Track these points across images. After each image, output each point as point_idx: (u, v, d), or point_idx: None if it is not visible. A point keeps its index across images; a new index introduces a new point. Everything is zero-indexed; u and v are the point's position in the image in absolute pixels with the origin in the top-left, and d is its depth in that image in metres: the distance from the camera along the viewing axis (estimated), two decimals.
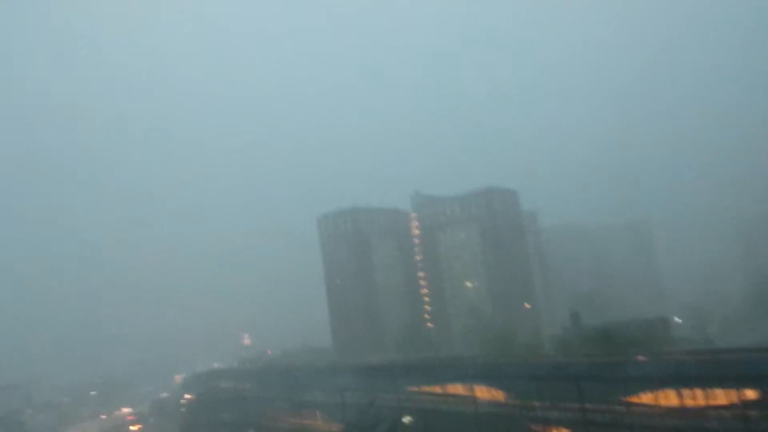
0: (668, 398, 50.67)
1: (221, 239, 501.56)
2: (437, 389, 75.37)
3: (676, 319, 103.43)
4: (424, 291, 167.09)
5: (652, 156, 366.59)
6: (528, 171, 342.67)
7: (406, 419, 74.39)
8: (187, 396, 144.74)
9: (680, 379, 50.13)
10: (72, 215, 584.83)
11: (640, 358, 58.46)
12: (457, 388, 72.24)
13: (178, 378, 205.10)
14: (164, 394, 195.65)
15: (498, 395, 66.58)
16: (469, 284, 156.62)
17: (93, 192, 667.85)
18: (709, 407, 47.69)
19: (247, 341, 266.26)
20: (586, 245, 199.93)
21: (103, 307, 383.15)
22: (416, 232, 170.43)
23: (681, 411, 49.04)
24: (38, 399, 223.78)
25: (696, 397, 48.73)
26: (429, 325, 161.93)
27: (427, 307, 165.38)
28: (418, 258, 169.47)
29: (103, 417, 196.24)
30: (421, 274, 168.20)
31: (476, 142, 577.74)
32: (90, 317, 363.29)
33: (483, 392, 68.45)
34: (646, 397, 52.24)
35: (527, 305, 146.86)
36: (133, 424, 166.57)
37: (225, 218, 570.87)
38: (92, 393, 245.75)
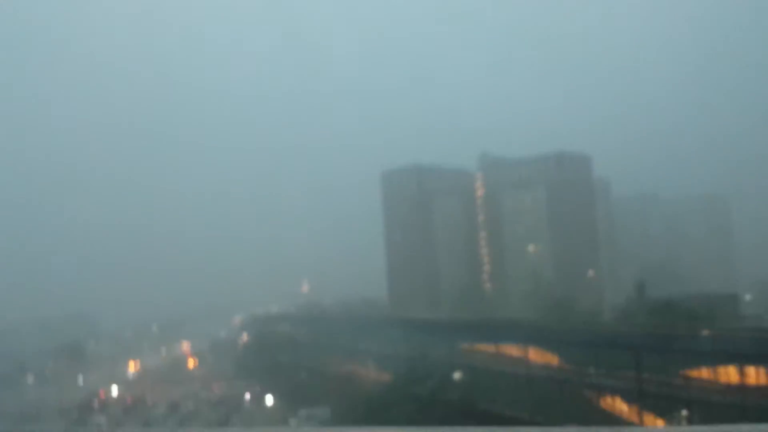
0: (729, 375, 48.48)
1: (285, 188, 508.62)
2: (490, 349, 74.73)
3: (746, 296, 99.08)
4: (484, 252, 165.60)
5: (737, 126, 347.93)
6: (605, 137, 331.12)
7: (457, 375, 74.20)
8: (244, 336, 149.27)
9: (744, 357, 47.73)
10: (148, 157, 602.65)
11: (704, 332, 56.11)
12: (511, 349, 71.40)
13: (237, 319, 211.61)
14: (222, 334, 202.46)
15: (552, 359, 65.40)
16: (531, 248, 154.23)
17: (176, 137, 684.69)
18: None
19: (304, 288, 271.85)
20: (659, 216, 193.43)
21: (167, 246, 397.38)
22: (480, 192, 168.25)
23: (742, 389, 46.84)
24: (102, 330, 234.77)
25: (759, 376, 46.40)
26: (487, 286, 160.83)
27: (486, 269, 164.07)
28: (480, 219, 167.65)
29: (163, 350, 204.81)
30: (482, 234, 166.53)
31: (551, 104, 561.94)
32: (153, 254, 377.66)
33: (537, 355, 67.37)
34: (706, 373, 50.20)
35: (591, 273, 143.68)
36: (191, 360, 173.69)
37: (291, 168, 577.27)
38: (153, 327, 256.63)
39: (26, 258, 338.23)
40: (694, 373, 50.31)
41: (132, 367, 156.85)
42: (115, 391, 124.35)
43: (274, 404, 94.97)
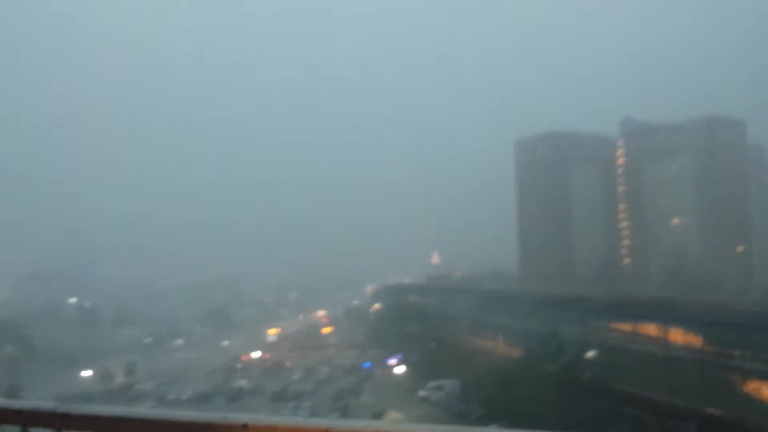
0: None
1: (418, 158, 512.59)
2: (626, 327, 71.29)
3: None
4: (624, 225, 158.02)
5: None
6: (761, 99, 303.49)
7: (590, 353, 71.48)
8: (376, 305, 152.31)
9: None
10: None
11: None
12: (648, 329, 67.66)
13: (369, 288, 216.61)
14: (356, 302, 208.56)
15: (694, 340, 61.24)
16: (676, 221, 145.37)
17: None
18: None
19: (435, 260, 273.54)
20: None
21: (305, 217, 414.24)
22: (622, 161, 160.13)
23: None
24: (246, 296, 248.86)
25: None
26: (626, 261, 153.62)
27: (626, 243, 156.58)
28: (620, 189, 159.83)
29: (301, 317, 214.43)
30: (622, 206, 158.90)
31: (701, 66, 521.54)
32: (292, 225, 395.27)
33: (677, 335, 63.40)
34: None
35: (740, 249, 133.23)
36: (326, 326, 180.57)
37: (423, 138, 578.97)
38: (293, 295, 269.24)
39: (176, 228, 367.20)
40: None
41: (272, 333, 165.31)
42: (256, 354, 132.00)
43: (405, 374, 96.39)
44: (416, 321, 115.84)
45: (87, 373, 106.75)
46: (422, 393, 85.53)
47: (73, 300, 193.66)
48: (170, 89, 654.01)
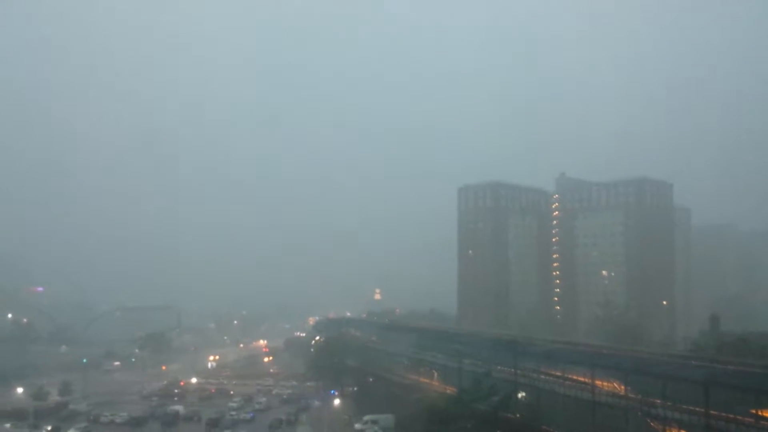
0: None
1: (369, 201, 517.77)
2: (555, 372, 74.87)
3: None
4: (556, 274, 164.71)
5: None
6: (689, 166, 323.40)
7: (520, 395, 74.80)
8: (317, 337, 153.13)
9: None
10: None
11: None
12: (576, 374, 71.44)
13: (312, 320, 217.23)
14: (297, 333, 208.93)
15: (619, 387, 65.30)
16: (604, 273, 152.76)
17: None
18: None
19: (377, 296, 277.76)
20: (738, 249, 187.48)
21: (254, 247, 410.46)
22: (556, 213, 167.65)
23: None
24: (187, 322, 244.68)
25: None
26: (556, 308, 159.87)
27: (558, 291, 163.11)
28: (554, 240, 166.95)
29: (242, 345, 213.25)
30: (555, 256, 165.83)
31: (637, 131, 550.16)
32: (241, 258, 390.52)
33: (603, 382, 67.40)
34: None
35: (664, 302, 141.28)
36: (266, 355, 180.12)
37: (374, 183, 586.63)
38: (235, 323, 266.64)
39: (119, 250, 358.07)
40: (766, 413, 49.85)
41: (212, 359, 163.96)
42: (194, 380, 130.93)
43: (341, 406, 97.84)
44: (356, 355, 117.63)
45: (20, 390, 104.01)
46: (357, 426, 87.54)
47: (9, 315, 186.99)
48: None
